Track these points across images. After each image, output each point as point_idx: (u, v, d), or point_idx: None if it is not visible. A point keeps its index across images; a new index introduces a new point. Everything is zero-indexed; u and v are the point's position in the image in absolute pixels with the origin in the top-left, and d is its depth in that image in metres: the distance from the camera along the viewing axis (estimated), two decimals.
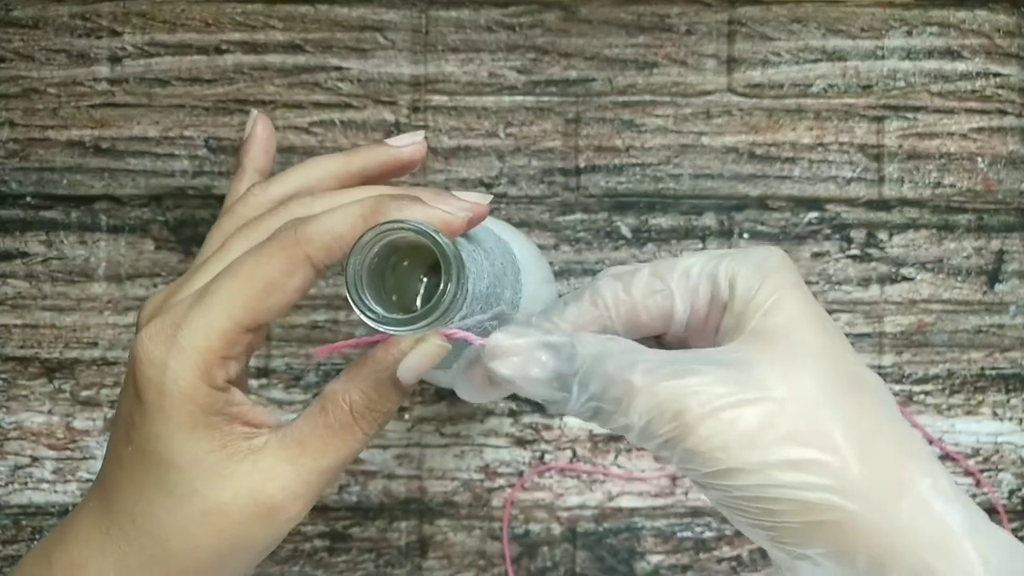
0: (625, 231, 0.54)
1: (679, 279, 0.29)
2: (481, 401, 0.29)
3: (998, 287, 0.54)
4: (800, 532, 0.25)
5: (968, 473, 0.53)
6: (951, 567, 0.25)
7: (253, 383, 0.53)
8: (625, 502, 0.52)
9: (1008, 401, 0.53)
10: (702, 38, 0.54)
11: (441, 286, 0.26)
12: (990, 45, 0.54)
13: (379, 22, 0.54)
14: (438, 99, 0.54)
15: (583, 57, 0.54)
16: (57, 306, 0.53)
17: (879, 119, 0.54)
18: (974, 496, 0.53)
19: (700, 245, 0.54)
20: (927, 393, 0.53)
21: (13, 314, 0.53)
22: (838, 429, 0.25)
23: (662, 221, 0.54)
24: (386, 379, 0.28)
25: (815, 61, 0.54)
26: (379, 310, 0.26)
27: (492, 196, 0.31)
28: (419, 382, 0.47)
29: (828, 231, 0.54)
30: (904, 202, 0.54)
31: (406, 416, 0.53)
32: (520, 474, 0.53)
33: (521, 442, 0.53)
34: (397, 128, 0.54)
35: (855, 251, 0.54)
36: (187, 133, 0.54)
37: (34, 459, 0.53)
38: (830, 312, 0.53)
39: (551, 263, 0.53)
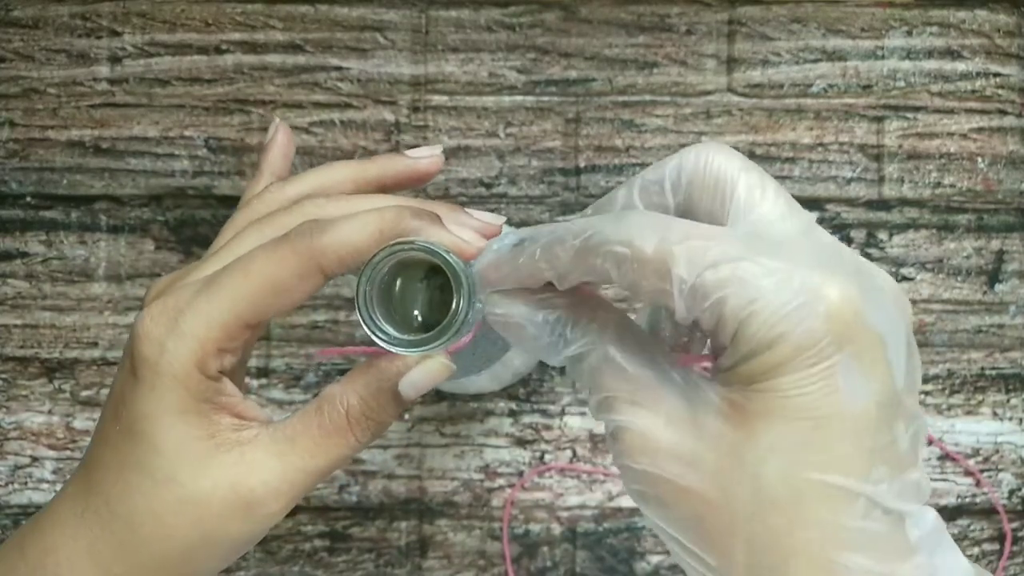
0: None
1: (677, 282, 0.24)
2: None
3: (998, 287, 0.54)
4: None
5: (968, 473, 0.53)
6: None
7: (253, 383, 0.53)
8: (625, 502, 0.52)
9: (1008, 401, 0.53)
10: (702, 38, 0.54)
11: (453, 306, 0.26)
12: (990, 45, 0.54)
13: (379, 22, 0.54)
14: (438, 99, 0.54)
15: (583, 57, 0.54)
16: (57, 306, 0.53)
17: (879, 119, 0.54)
18: (974, 496, 0.53)
19: None
20: (927, 393, 0.53)
21: (13, 314, 0.53)
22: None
23: None
24: (387, 389, 0.28)
25: (815, 61, 0.54)
26: (390, 330, 0.27)
27: (505, 218, 0.30)
28: None
29: (828, 231, 0.54)
30: (904, 202, 0.54)
31: (406, 416, 0.53)
32: (520, 474, 0.53)
33: (521, 442, 0.53)
34: (397, 128, 0.54)
35: (855, 251, 0.54)
36: (187, 133, 0.54)
37: (34, 459, 0.53)
38: None
39: None
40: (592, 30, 0.54)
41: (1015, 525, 0.53)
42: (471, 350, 0.32)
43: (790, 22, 0.54)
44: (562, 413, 0.53)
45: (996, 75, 0.54)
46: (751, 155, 0.54)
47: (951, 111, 0.54)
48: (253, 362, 0.53)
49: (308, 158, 0.54)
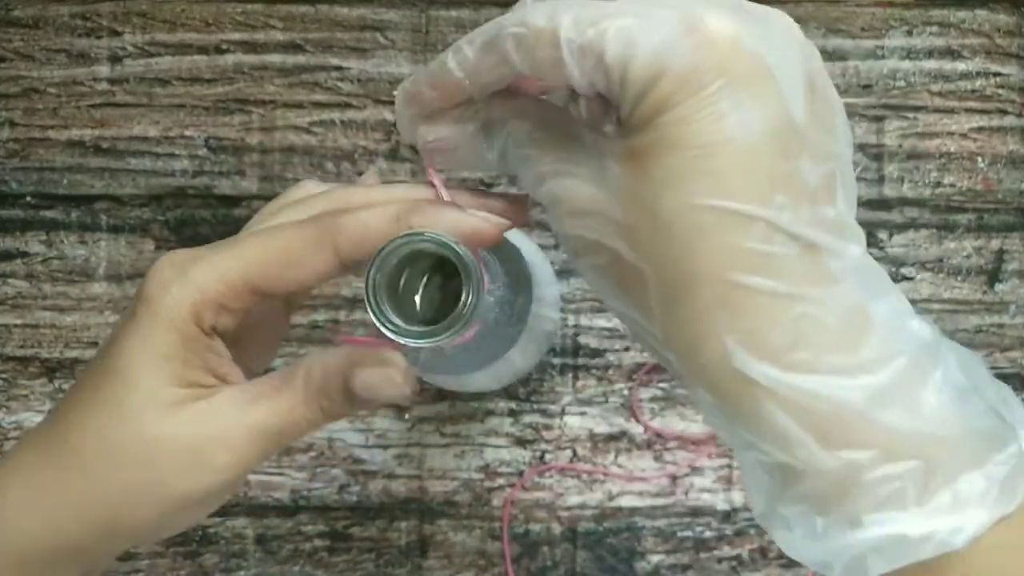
0: None
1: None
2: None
3: (998, 287, 0.54)
4: None
5: None
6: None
7: None
8: (625, 502, 0.52)
9: None
10: None
11: (463, 298, 0.27)
12: (990, 45, 0.54)
13: (379, 22, 0.54)
14: None
15: None
16: (57, 306, 0.53)
17: (879, 119, 0.54)
18: None
19: None
20: None
21: (13, 314, 0.53)
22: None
23: None
24: (343, 374, 0.28)
25: None
26: (398, 322, 0.27)
27: (528, 193, 0.29)
28: (420, 382, 0.47)
29: None
30: (904, 202, 0.54)
31: (406, 416, 0.53)
32: (520, 474, 0.53)
33: (521, 442, 0.53)
34: (397, 128, 0.53)
35: None
36: (187, 133, 0.54)
37: None
38: None
39: (552, 263, 0.53)
40: None
41: None
42: (475, 345, 0.32)
43: None
44: (562, 413, 0.53)
45: (996, 75, 0.54)
46: None
47: (951, 111, 0.54)
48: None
49: (308, 158, 0.54)
